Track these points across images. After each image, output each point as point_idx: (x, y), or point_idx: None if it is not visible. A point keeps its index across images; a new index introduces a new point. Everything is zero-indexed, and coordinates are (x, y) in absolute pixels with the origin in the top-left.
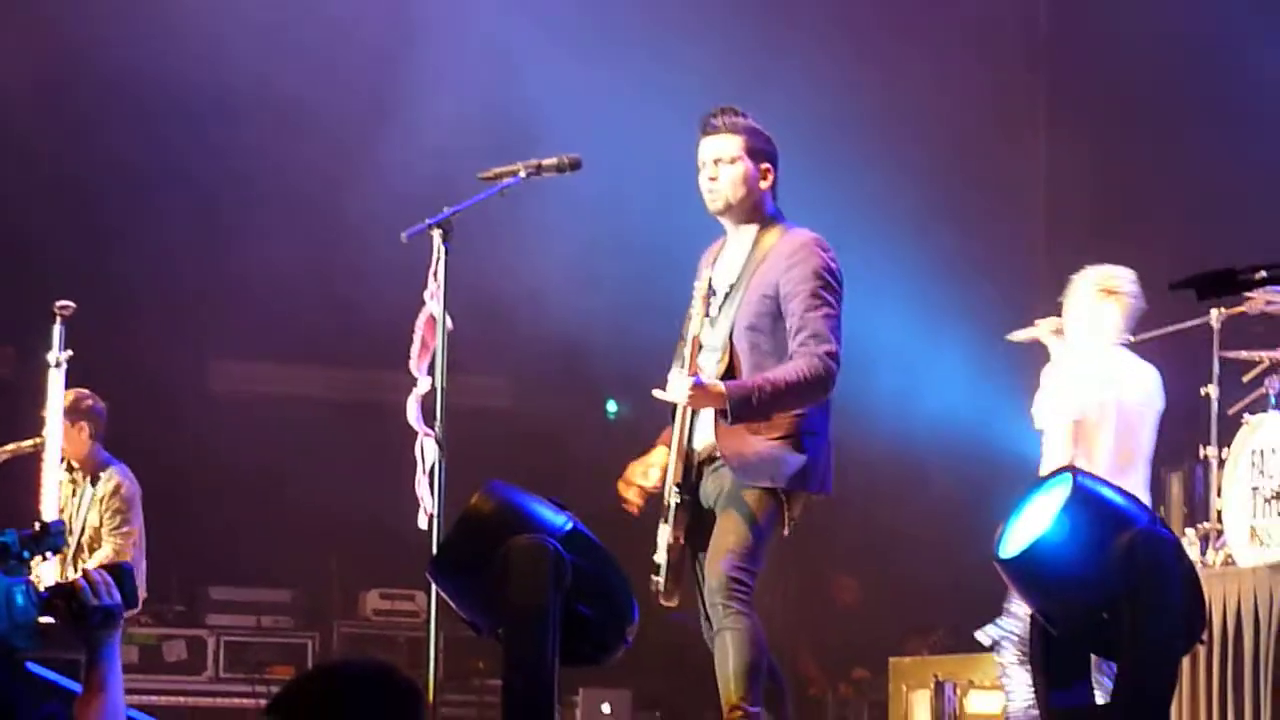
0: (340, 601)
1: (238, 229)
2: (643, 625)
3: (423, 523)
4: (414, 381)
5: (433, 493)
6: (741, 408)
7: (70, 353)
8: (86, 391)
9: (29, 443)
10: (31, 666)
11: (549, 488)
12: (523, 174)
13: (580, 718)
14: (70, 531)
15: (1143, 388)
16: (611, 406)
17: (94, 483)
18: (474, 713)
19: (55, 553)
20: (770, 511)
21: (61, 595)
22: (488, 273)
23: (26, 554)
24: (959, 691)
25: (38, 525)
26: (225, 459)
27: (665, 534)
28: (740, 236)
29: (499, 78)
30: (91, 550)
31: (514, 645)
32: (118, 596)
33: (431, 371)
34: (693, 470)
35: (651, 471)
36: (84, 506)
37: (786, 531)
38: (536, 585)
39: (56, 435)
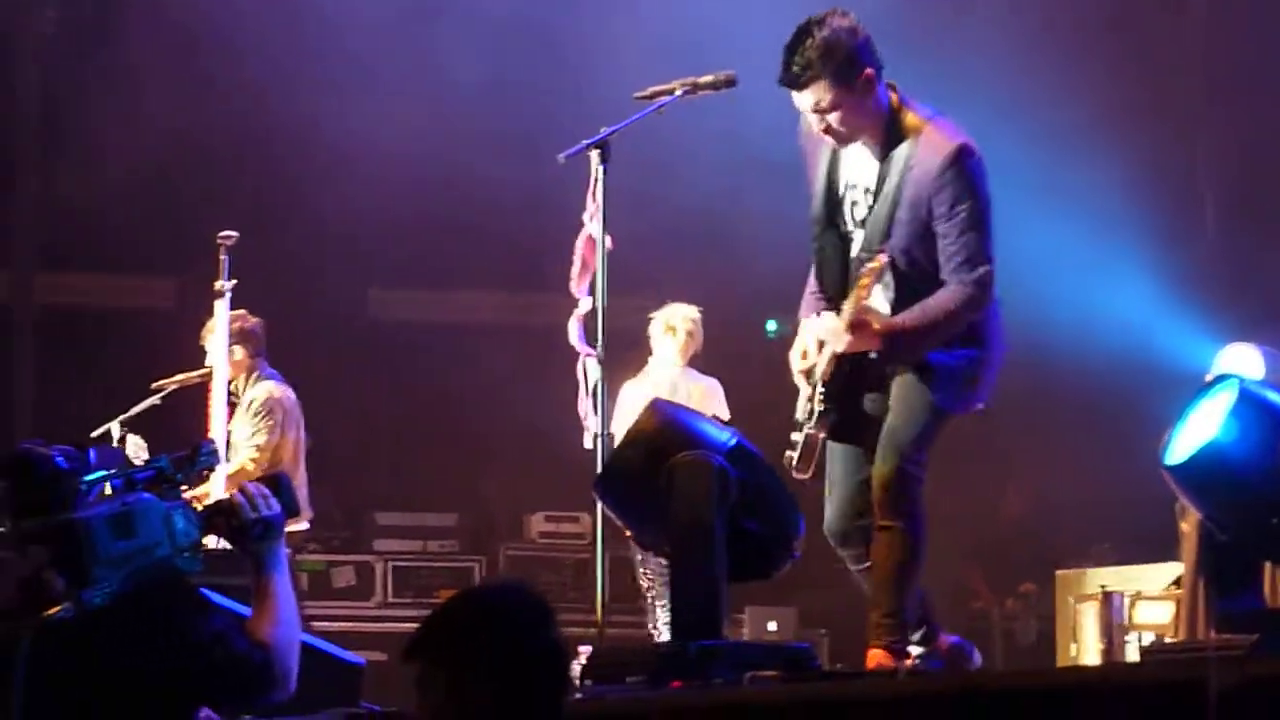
0: (505, 524)
1: (392, 156)
2: (809, 542)
3: (587, 443)
4: (575, 302)
5: (596, 412)
6: (894, 349)
7: (235, 282)
8: (239, 312)
9: (196, 373)
10: (205, 592)
11: None
12: (679, 92)
13: (747, 635)
14: (231, 448)
15: None
16: (771, 325)
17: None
18: (642, 632)
19: (209, 471)
20: (940, 406)
21: (220, 512)
22: (647, 192)
23: (180, 476)
24: (1128, 602)
25: (188, 449)
26: (387, 386)
27: (808, 422)
28: (865, 151)
29: None
30: None
31: (680, 562)
32: (276, 507)
33: (592, 292)
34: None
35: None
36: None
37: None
38: (702, 502)
39: (223, 362)
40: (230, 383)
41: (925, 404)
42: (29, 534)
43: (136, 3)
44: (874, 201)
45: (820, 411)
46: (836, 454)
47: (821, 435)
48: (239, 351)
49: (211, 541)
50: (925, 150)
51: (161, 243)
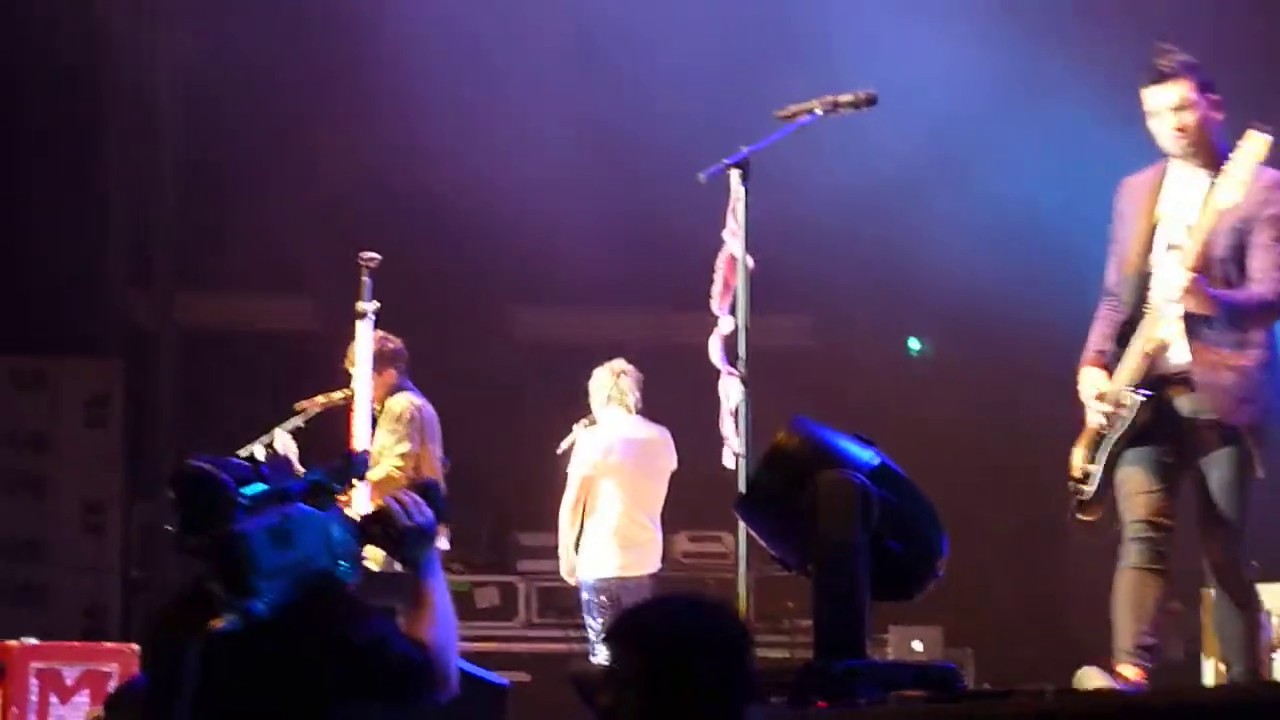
0: None
1: (533, 175)
2: (954, 561)
3: (729, 462)
4: (716, 321)
5: (738, 431)
6: (1226, 313)
7: (377, 303)
8: (382, 334)
9: (339, 394)
10: None
11: (853, 424)
12: (819, 111)
13: (892, 654)
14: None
15: None
16: (913, 343)
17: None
18: (785, 652)
19: (361, 479)
20: (1250, 472)
21: (375, 520)
22: (788, 211)
23: (335, 487)
24: (1277, 621)
25: (340, 458)
26: (530, 405)
27: (1108, 443)
28: (1195, 173)
29: (797, 13)
30: None
31: (824, 582)
32: (429, 513)
33: (733, 311)
34: (1151, 381)
35: (1100, 386)
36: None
37: (1260, 474)
38: (845, 521)
39: (366, 384)
40: (377, 404)
41: (1248, 483)
42: (193, 548)
43: (275, 25)
44: (1198, 215)
45: (1131, 410)
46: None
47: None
48: (389, 373)
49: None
50: (1256, 183)
51: (303, 263)
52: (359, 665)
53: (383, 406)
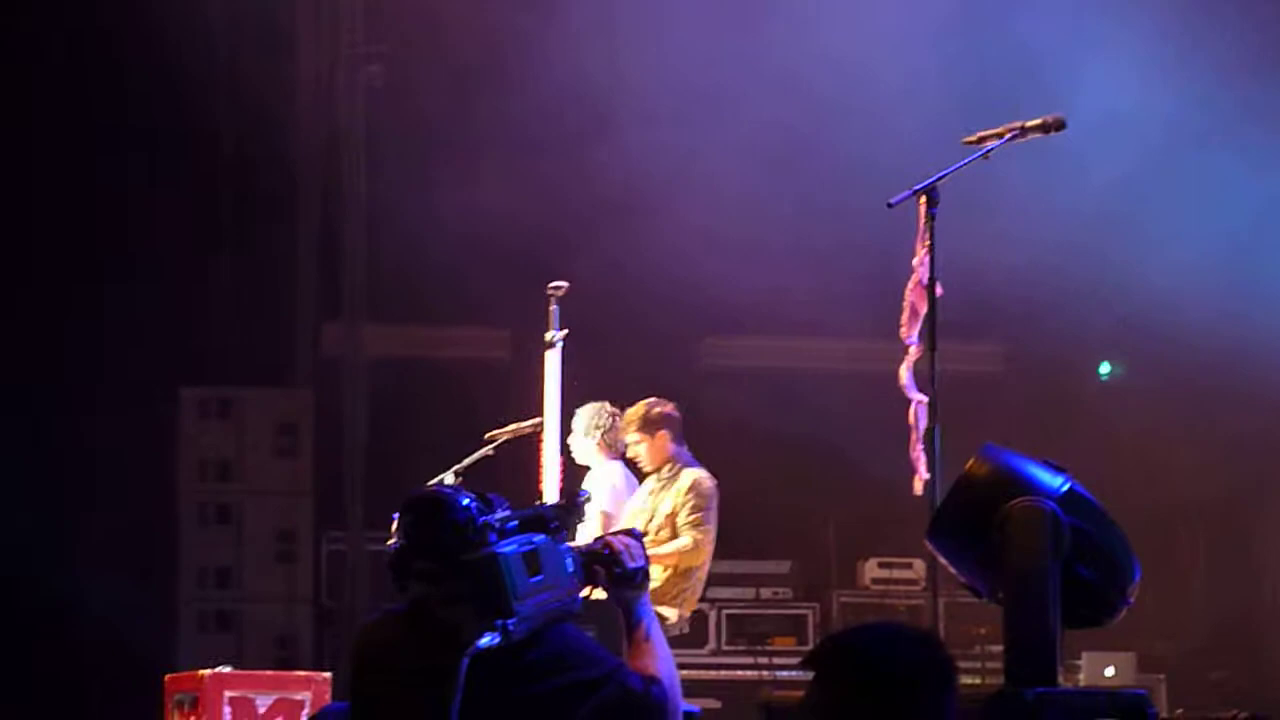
0: (839, 571)
1: (731, 205)
2: (1146, 587)
3: (919, 489)
4: (906, 349)
5: (928, 459)
6: None
7: (565, 331)
8: (655, 399)
9: (529, 424)
10: None
11: (1044, 451)
12: (1007, 137)
13: (1084, 681)
14: (651, 521)
15: None
16: (1104, 368)
17: (673, 480)
18: (977, 678)
19: (581, 522)
20: None
21: (599, 560)
22: (977, 237)
23: (557, 524)
24: None
25: (563, 497)
26: (720, 434)
27: None
28: None
29: (980, 37)
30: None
31: (1016, 609)
32: (642, 558)
33: (923, 338)
34: None
35: None
36: (662, 499)
37: None
38: (1036, 548)
39: (555, 415)
40: (651, 467)
41: None
42: (424, 572)
43: (462, 54)
44: None
45: None
46: None
47: None
48: (661, 436)
49: None
50: None
51: (493, 293)
52: (600, 694)
53: (659, 469)
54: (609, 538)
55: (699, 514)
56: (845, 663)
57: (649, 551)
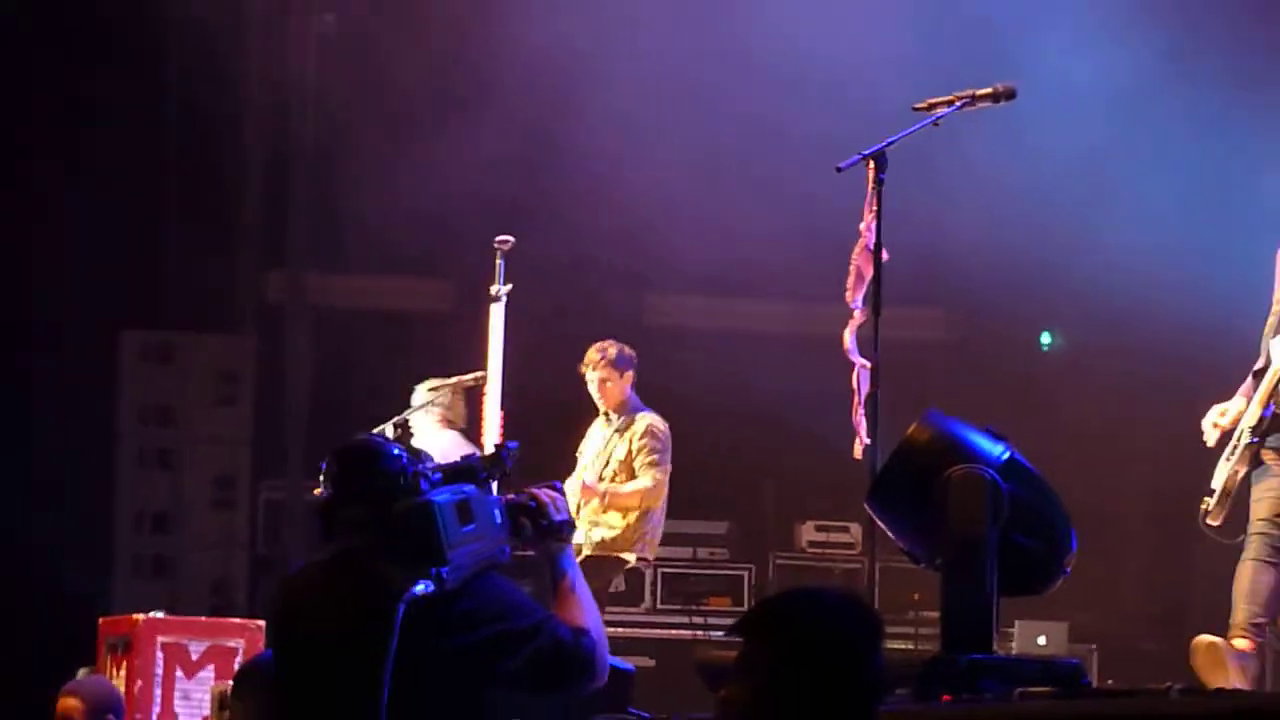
0: (776, 533)
1: (677, 166)
2: (1081, 557)
3: (859, 453)
4: (850, 313)
5: (869, 423)
6: None
7: (510, 286)
8: (612, 341)
9: (470, 376)
10: None
11: (985, 418)
12: (957, 104)
13: (1016, 649)
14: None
15: None
16: (1045, 339)
17: (627, 425)
18: (909, 644)
19: (507, 473)
20: None
21: (524, 511)
22: (927, 204)
23: (485, 475)
24: None
25: (493, 448)
26: (661, 393)
27: (1225, 467)
28: None
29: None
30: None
31: (953, 575)
32: (566, 511)
33: (868, 302)
34: (1265, 424)
35: (1228, 413)
36: (615, 445)
37: None
38: (975, 515)
39: (497, 368)
40: (611, 407)
41: None
42: (352, 519)
43: (407, 9)
44: None
45: (1245, 445)
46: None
47: (1239, 476)
48: (628, 377)
49: None
50: None
51: (437, 246)
52: (529, 645)
53: (613, 411)
54: (534, 490)
55: (656, 455)
56: (775, 626)
57: (612, 493)
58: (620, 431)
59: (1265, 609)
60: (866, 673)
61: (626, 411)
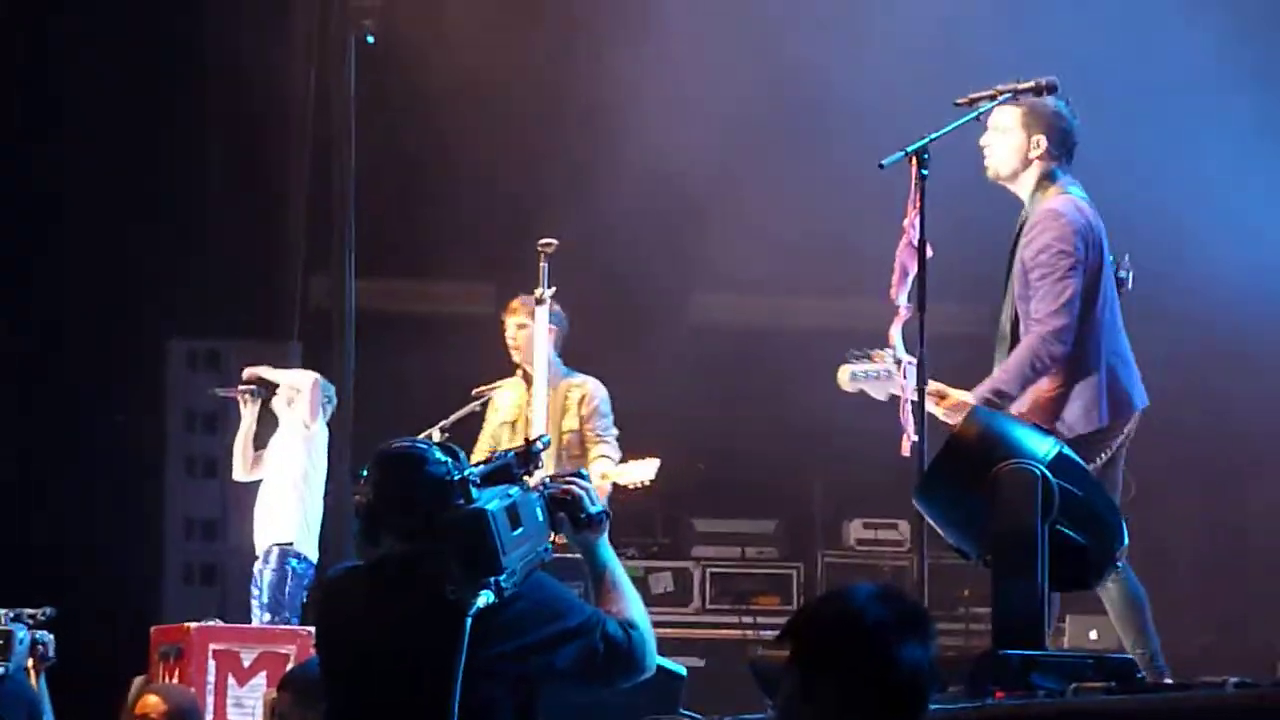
0: (824, 531)
1: (721, 164)
2: (1132, 550)
3: (907, 450)
4: (895, 309)
5: (916, 420)
6: None
7: (554, 289)
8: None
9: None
10: None
11: None
12: (1000, 98)
13: (1069, 644)
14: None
15: None
16: None
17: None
18: (960, 640)
19: (539, 466)
20: None
21: (561, 505)
22: (968, 197)
23: (521, 471)
24: None
25: (524, 443)
26: (707, 392)
27: None
28: None
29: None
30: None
31: (1003, 571)
32: (600, 502)
33: (913, 299)
34: None
35: None
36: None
37: None
38: (1024, 510)
39: (543, 370)
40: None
41: None
42: (400, 527)
43: (451, 9)
44: None
45: None
46: None
47: None
48: (553, 332)
49: None
50: None
51: (482, 249)
52: (578, 647)
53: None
54: (567, 482)
55: (606, 420)
56: (803, 629)
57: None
58: (559, 398)
59: None
60: (900, 667)
61: (554, 375)
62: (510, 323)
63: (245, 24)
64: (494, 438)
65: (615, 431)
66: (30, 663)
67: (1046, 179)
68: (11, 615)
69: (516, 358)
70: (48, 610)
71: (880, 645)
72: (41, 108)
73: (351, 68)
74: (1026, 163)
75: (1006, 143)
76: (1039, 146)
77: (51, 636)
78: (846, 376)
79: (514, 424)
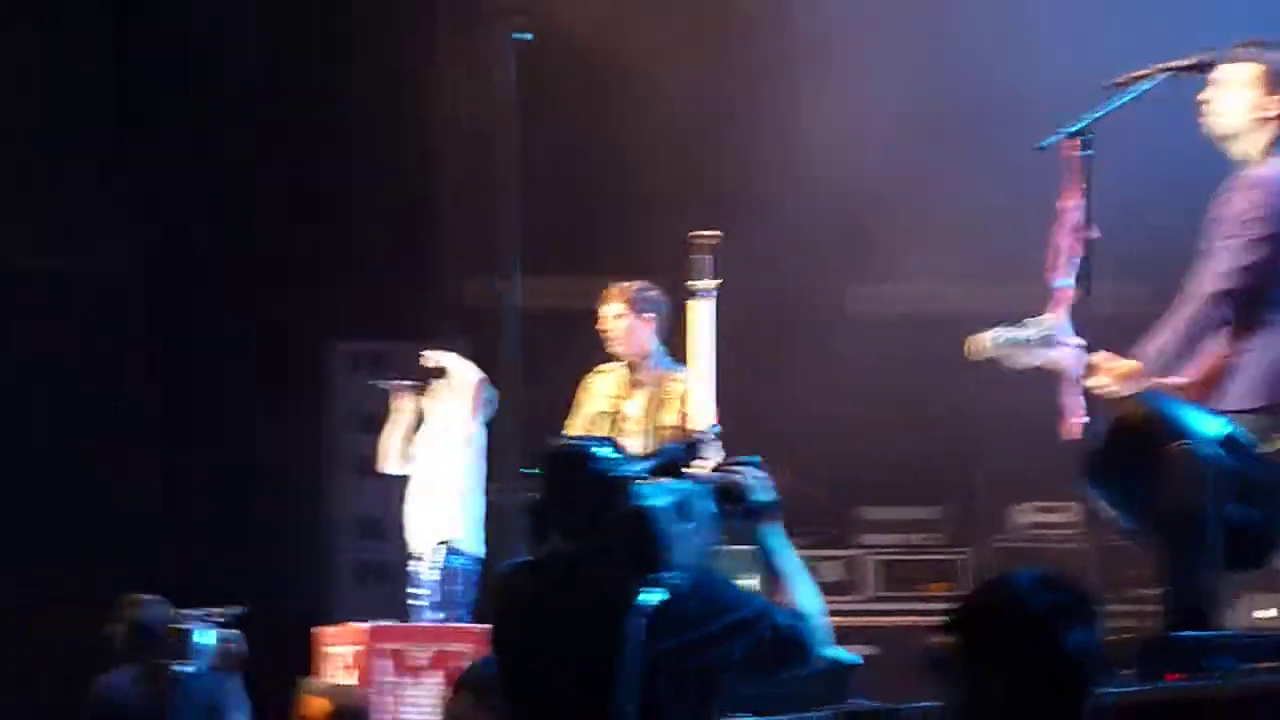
0: (991, 516)
1: (862, 151)
2: None
3: (1072, 432)
4: (1052, 292)
5: (1083, 401)
6: None
7: (720, 281)
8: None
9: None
10: None
11: None
12: (1158, 78)
13: (1240, 624)
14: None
15: None
16: None
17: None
18: (1132, 622)
19: (703, 456)
20: None
21: (726, 495)
22: (1126, 178)
23: (686, 463)
24: None
25: (690, 438)
26: (869, 382)
27: None
28: None
29: None
30: None
31: (1173, 553)
32: (772, 490)
33: (1079, 283)
34: None
35: None
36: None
37: None
38: (1194, 491)
39: (710, 364)
40: (634, 354)
41: None
42: (567, 525)
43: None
44: None
45: None
46: None
47: None
48: (649, 319)
49: None
50: None
51: (653, 243)
52: (749, 639)
53: (640, 360)
54: (738, 471)
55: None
56: (966, 619)
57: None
58: (652, 391)
59: None
60: (1066, 654)
61: (652, 368)
62: (605, 312)
63: (396, 27)
64: (592, 423)
65: (718, 428)
66: (218, 662)
67: (1273, 145)
68: (199, 615)
69: (615, 348)
70: (236, 610)
71: (1045, 634)
72: (194, 112)
73: (506, 64)
74: (1256, 123)
75: (1238, 99)
76: (1272, 109)
77: (240, 634)
78: (988, 341)
79: (613, 415)
